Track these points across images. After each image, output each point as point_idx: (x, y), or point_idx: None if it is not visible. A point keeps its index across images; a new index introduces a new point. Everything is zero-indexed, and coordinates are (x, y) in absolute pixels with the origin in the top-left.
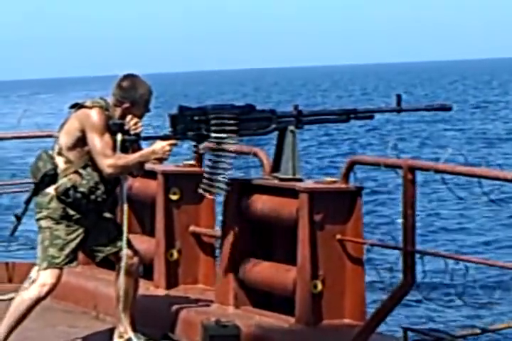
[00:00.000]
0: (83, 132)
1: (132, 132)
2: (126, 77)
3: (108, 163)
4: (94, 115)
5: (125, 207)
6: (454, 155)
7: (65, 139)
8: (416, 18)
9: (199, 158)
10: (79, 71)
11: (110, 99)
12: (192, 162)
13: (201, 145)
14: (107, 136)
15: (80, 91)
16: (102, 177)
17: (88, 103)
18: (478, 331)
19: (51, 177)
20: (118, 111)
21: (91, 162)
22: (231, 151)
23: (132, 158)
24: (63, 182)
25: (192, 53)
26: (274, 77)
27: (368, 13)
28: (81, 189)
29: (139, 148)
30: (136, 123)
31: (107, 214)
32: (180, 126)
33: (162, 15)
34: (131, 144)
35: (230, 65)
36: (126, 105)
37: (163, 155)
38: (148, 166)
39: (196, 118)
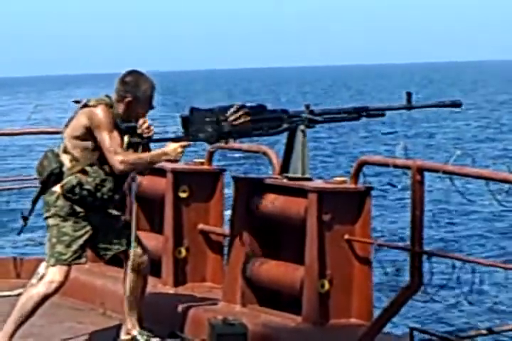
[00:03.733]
0: (89, 130)
1: (145, 135)
2: (130, 73)
3: (119, 159)
4: (100, 113)
5: (134, 206)
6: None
7: (70, 138)
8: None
9: (209, 157)
10: (86, 68)
11: (113, 96)
12: (202, 160)
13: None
14: (116, 133)
15: (87, 88)
16: (108, 175)
17: (93, 102)
18: (485, 332)
19: (57, 176)
20: (121, 107)
21: (97, 160)
22: (242, 150)
23: (144, 156)
24: (69, 179)
25: (200, 52)
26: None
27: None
28: (87, 186)
29: (148, 149)
30: (149, 127)
31: (115, 212)
32: (192, 127)
33: (166, 12)
34: (142, 147)
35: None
36: (129, 99)
37: (175, 157)
38: (158, 164)
39: (208, 119)
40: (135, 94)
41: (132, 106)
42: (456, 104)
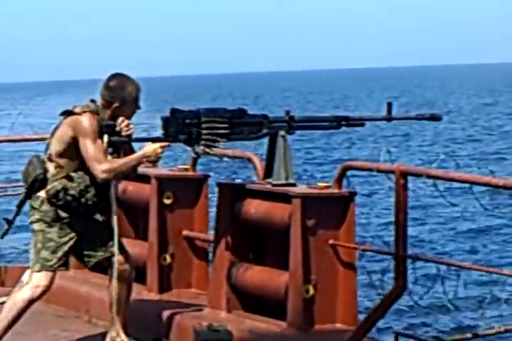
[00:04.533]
0: (75, 139)
1: (124, 133)
2: (113, 76)
3: (102, 168)
4: (86, 121)
5: (114, 211)
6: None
7: (55, 146)
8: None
9: (194, 163)
10: (76, 74)
11: (99, 101)
12: (186, 166)
13: (195, 149)
14: (100, 141)
15: (75, 94)
16: (93, 181)
17: (78, 109)
18: (469, 336)
19: (41, 182)
20: (108, 112)
21: (82, 166)
22: (223, 155)
23: (125, 161)
24: (54, 185)
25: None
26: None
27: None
28: (71, 192)
29: (131, 149)
30: (127, 125)
31: (100, 218)
32: (172, 128)
33: (154, 19)
34: (122, 145)
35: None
36: (116, 105)
37: (155, 157)
38: (142, 170)
39: (188, 121)
40: (122, 97)
41: (119, 111)
42: (435, 118)
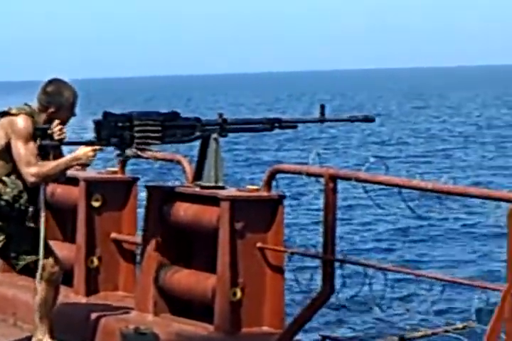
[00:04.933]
0: (8, 140)
1: (56, 137)
2: (51, 81)
3: (31, 171)
4: (21, 122)
5: (43, 214)
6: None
7: None
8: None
9: (123, 165)
10: (18, 75)
11: (35, 105)
12: (115, 169)
13: (126, 152)
14: (32, 144)
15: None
16: (25, 185)
17: (14, 110)
18: (395, 339)
19: None
20: (43, 117)
21: (14, 169)
22: (154, 158)
23: (55, 165)
24: None
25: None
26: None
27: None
28: (5, 197)
29: (60, 154)
30: (61, 129)
31: (30, 223)
32: (104, 132)
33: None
34: (53, 150)
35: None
36: (52, 110)
37: (86, 161)
38: (71, 173)
39: (120, 124)
40: (59, 103)
41: (55, 116)
42: (368, 119)
